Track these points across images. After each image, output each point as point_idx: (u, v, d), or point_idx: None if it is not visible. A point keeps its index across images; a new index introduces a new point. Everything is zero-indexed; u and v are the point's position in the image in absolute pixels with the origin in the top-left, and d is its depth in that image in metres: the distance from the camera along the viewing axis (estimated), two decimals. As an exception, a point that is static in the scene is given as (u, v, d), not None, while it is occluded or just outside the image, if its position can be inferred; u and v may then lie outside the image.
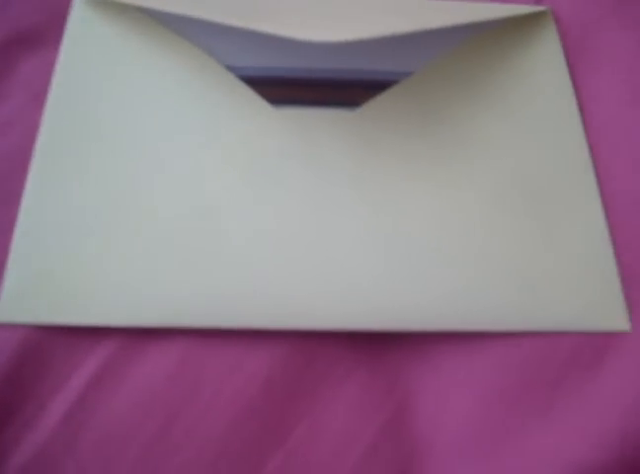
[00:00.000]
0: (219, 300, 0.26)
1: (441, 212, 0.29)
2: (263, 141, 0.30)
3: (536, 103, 0.32)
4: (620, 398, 0.25)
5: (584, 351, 0.27)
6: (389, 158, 0.30)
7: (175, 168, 0.29)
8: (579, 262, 0.28)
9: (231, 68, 0.31)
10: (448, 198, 0.29)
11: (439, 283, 0.27)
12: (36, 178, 0.28)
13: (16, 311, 0.26)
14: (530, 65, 0.33)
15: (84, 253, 0.27)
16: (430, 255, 0.28)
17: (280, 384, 0.26)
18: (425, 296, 0.27)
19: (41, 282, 0.27)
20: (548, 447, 0.25)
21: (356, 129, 0.31)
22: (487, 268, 0.28)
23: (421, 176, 0.30)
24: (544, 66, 0.33)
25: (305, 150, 0.30)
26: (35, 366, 0.26)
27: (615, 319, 0.27)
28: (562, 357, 0.27)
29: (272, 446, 0.26)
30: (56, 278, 0.27)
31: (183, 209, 0.28)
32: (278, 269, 0.27)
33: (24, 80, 0.32)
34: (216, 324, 0.26)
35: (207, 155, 0.29)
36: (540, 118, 0.31)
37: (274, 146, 0.30)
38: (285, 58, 0.32)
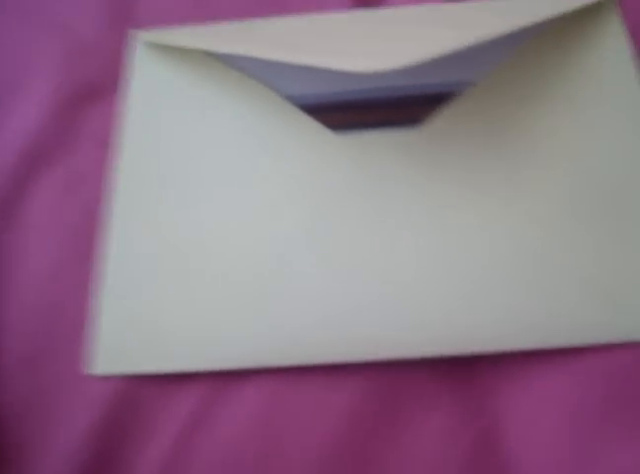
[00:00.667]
0: (300, 338, 0.27)
1: (514, 226, 0.28)
2: (327, 171, 0.30)
3: (604, 102, 0.30)
4: None
5: None
6: (456, 173, 0.29)
7: (246, 205, 0.29)
8: None
9: (290, 98, 0.31)
10: (520, 211, 0.28)
11: (516, 301, 0.27)
12: (116, 230, 0.29)
13: (110, 363, 0.27)
14: (596, 61, 0.31)
15: (168, 301, 0.28)
16: (505, 272, 0.27)
17: (365, 418, 0.26)
18: (503, 315, 0.27)
19: (131, 333, 0.27)
20: (636, 464, 0.24)
21: (420, 148, 0.30)
22: (566, 280, 0.27)
23: (490, 189, 0.29)
24: (611, 61, 0.31)
25: (371, 175, 0.29)
26: (128, 416, 0.27)
27: None
28: None
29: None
30: (144, 328, 0.27)
31: (257, 250, 0.28)
32: (352, 301, 0.27)
33: (92, 134, 0.33)
34: (300, 362, 0.26)
35: (275, 190, 0.29)
36: (609, 117, 0.30)
37: (338, 175, 0.30)
38: (342, 82, 0.31)
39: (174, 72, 0.33)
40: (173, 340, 0.27)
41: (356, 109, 0.31)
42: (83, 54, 0.35)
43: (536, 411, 0.26)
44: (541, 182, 0.29)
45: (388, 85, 0.31)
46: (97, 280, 0.29)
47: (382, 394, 0.27)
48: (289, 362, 0.26)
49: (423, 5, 0.34)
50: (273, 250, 0.28)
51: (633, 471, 0.24)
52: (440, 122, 0.31)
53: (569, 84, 0.31)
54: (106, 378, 0.27)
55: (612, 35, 0.32)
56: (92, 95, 0.34)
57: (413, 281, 0.27)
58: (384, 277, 0.27)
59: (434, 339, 0.26)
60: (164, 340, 0.27)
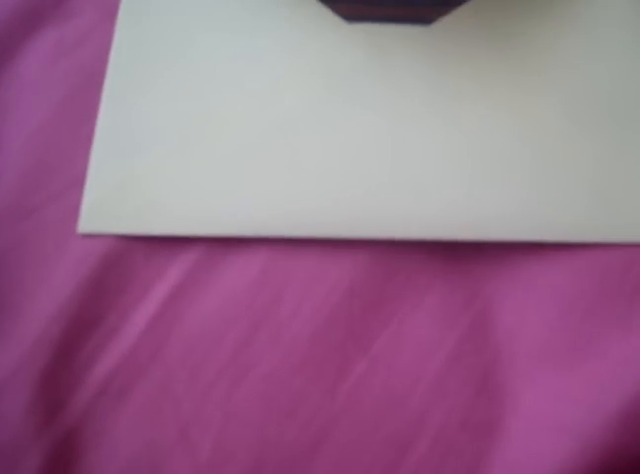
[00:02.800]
0: (300, 210, 0.26)
1: (516, 125, 0.28)
2: (337, 57, 0.29)
3: (608, 14, 0.31)
4: None
5: None
6: (463, 72, 0.30)
7: (252, 83, 0.29)
8: None
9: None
10: (523, 112, 0.29)
11: (516, 194, 0.27)
12: (112, 91, 0.28)
13: (98, 222, 0.26)
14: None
15: (162, 164, 0.27)
16: (508, 166, 0.28)
17: (363, 293, 0.26)
18: (502, 207, 0.27)
19: (123, 193, 0.27)
20: (626, 352, 0.25)
21: (429, 46, 0.30)
22: (564, 179, 0.28)
23: (494, 91, 0.29)
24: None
25: (379, 65, 0.29)
26: (118, 276, 0.26)
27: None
28: (639, 268, 0.26)
29: (356, 353, 0.26)
30: (138, 189, 0.27)
31: (261, 121, 0.28)
32: (357, 180, 0.27)
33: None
34: (297, 233, 0.26)
35: (283, 72, 0.29)
36: (613, 28, 0.31)
37: (348, 61, 0.29)
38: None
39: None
40: (169, 203, 0.26)
41: (369, 1, 0.31)
42: None
43: (529, 300, 0.27)
44: (544, 87, 0.29)
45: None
46: (92, 140, 0.28)
47: (381, 272, 0.27)
48: (289, 233, 0.26)
49: None
50: (278, 125, 0.28)
51: (624, 361, 0.25)
52: (448, 24, 0.31)
53: None
54: (97, 238, 0.27)
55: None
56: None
57: (417, 168, 0.27)
58: (389, 162, 0.27)
59: (435, 223, 0.26)
60: (160, 202, 0.26)
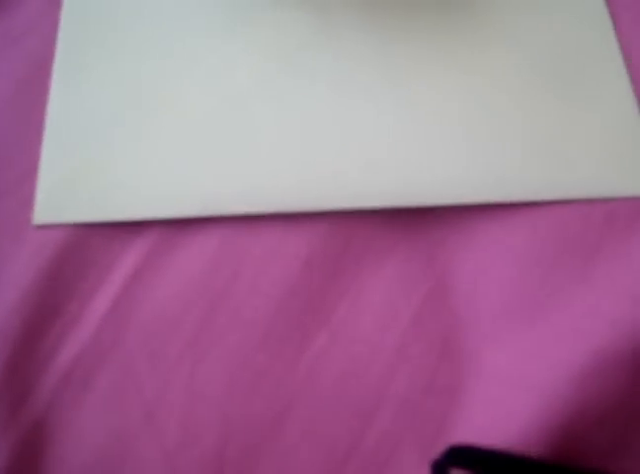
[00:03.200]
0: (254, 187, 0.26)
1: (468, 86, 0.29)
2: (286, 32, 0.29)
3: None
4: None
5: (618, 216, 0.26)
6: (416, 41, 0.29)
7: (202, 61, 0.29)
8: (609, 132, 0.28)
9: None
10: (474, 74, 0.29)
11: (470, 158, 0.27)
12: (61, 78, 0.29)
13: (53, 212, 0.26)
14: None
15: (115, 148, 0.27)
16: (460, 130, 0.28)
17: (321, 264, 0.26)
18: (457, 170, 0.27)
19: (76, 181, 0.27)
20: (588, 306, 0.25)
21: (380, 13, 0.30)
22: (517, 139, 0.28)
23: (444, 53, 0.29)
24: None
25: (327, 37, 0.29)
26: (76, 264, 0.26)
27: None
28: (597, 223, 0.26)
29: (316, 325, 0.26)
30: (91, 176, 0.27)
31: (213, 100, 0.28)
32: (310, 153, 0.27)
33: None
34: (253, 210, 0.26)
35: (233, 48, 0.29)
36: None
37: (297, 35, 0.29)
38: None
39: None
40: (123, 188, 0.27)
41: None
42: None
43: (488, 262, 0.27)
44: (496, 53, 0.29)
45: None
46: (44, 131, 0.28)
47: (338, 242, 0.27)
48: (243, 210, 0.26)
49: None
50: (229, 102, 0.28)
51: (588, 317, 0.25)
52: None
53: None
54: (53, 227, 0.27)
55: None
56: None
57: (370, 137, 0.27)
58: (342, 132, 0.27)
59: (390, 191, 0.26)
60: (114, 188, 0.27)
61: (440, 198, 0.27)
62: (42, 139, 0.28)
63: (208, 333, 0.26)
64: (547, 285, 0.26)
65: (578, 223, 0.27)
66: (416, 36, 0.29)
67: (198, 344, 0.25)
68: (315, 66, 0.29)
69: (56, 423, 0.24)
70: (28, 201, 0.27)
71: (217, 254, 0.26)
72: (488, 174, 0.27)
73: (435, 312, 0.26)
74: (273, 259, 0.26)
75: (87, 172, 0.27)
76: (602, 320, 0.24)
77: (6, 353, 0.25)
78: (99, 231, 0.27)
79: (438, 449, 0.24)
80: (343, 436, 0.25)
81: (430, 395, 0.25)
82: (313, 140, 0.27)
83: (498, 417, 0.24)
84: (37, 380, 0.25)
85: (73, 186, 0.27)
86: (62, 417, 0.24)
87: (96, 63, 0.29)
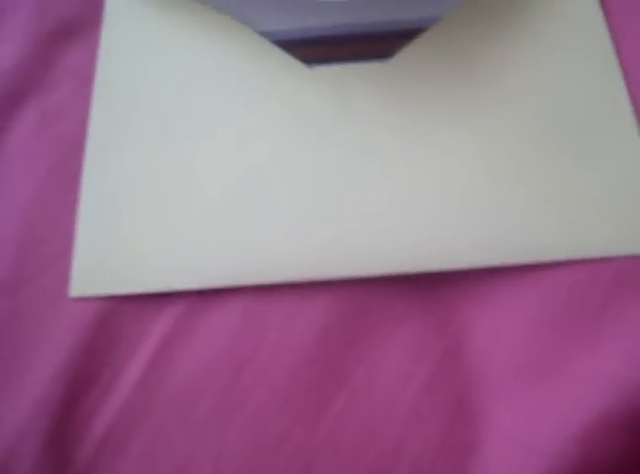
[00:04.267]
0: (274, 257, 0.28)
1: (480, 153, 0.29)
2: (302, 102, 0.31)
3: (568, 36, 0.32)
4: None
5: (628, 274, 0.27)
6: (425, 106, 0.31)
7: (221, 136, 0.30)
8: (619, 189, 0.29)
9: (264, 34, 0.32)
10: (486, 140, 0.30)
11: (480, 221, 0.28)
12: (92, 158, 0.31)
13: (88, 285, 0.28)
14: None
15: (143, 225, 0.29)
16: (471, 195, 0.29)
17: (338, 330, 0.28)
18: (468, 235, 0.28)
19: (109, 256, 0.29)
20: (592, 371, 0.26)
21: (390, 80, 0.31)
22: (529, 203, 0.29)
23: (458, 120, 0.30)
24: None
25: (344, 105, 0.31)
26: (109, 335, 0.28)
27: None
28: (606, 282, 0.27)
29: (333, 390, 0.27)
30: (122, 251, 0.29)
31: (233, 173, 0.30)
32: (325, 222, 0.29)
33: (70, 70, 0.34)
34: (273, 280, 0.28)
35: (251, 121, 0.31)
36: (574, 52, 0.31)
37: (312, 105, 0.31)
38: (314, 17, 0.32)
39: (149, 8, 0.33)
40: (150, 262, 0.28)
41: (328, 44, 0.32)
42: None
43: (499, 325, 0.28)
44: (506, 113, 0.30)
45: (358, 21, 0.32)
46: (77, 209, 0.30)
47: (353, 309, 0.28)
48: (263, 280, 0.28)
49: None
50: (248, 176, 0.30)
51: (593, 381, 0.26)
52: (408, 56, 0.32)
53: (535, 19, 0.32)
54: (86, 301, 0.29)
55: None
56: (71, 30, 0.35)
57: (385, 204, 0.29)
58: (358, 200, 0.29)
59: (403, 258, 0.28)
60: (141, 262, 0.28)
61: (451, 263, 0.28)
62: (76, 218, 0.30)
63: (233, 397, 0.27)
64: (555, 348, 0.27)
65: (585, 283, 0.28)
66: (429, 102, 0.31)
67: (224, 408, 0.27)
68: (330, 135, 0.30)
69: None
70: (64, 277, 0.29)
71: (240, 322, 0.28)
72: (497, 236, 0.28)
73: (448, 374, 0.27)
74: (292, 325, 0.28)
75: (118, 247, 0.29)
76: (606, 383, 0.25)
77: (46, 422, 0.27)
78: (130, 302, 0.29)
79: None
80: (361, 495, 0.26)
81: (443, 455, 0.26)
82: (328, 209, 0.29)
83: (509, 476, 0.26)
84: (74, 448, 0.27)
85: (106, 260, 0.29)
86: (100, 481, 0.26)
87: (123, 143, 0.31)
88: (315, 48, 0.32)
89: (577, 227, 0.28)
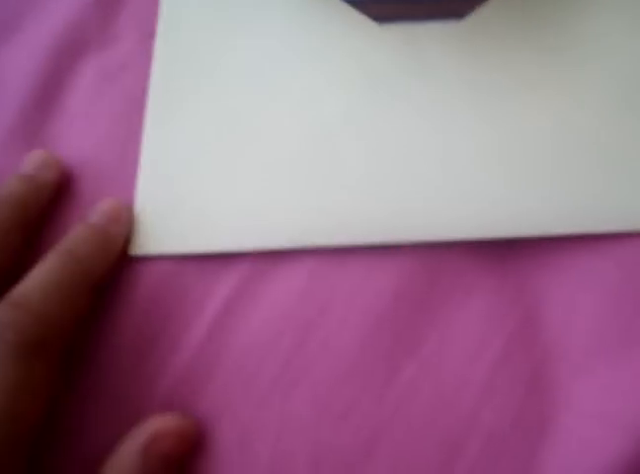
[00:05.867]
0: (341, 219, 0.27)
1: (559, 113, 0.28)
2: (372, 60, 0.30)
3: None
4: None
5: None
6: (499, 66, 0.29)
7: (288, 93, 0.29)
8: None
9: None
10: (564, 100, 0.28)
11: (560, 187, 0.27)
12: (154, 113, 0.30)
13: (150, 244, 0.27)
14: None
15: (206, 182, 0.28)
16: (550, 158, 0.27)
17: (409, 297, 0.27)
18: (547, 201, 0.27)
19: (171, 214, 0.28)
20: None
21: (464, 41, 0.30)
22: (610, 169, 0.27)
23: (533, 81, 0.29)
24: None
25: (415, 64, 0.29)
26: (171, 294, 0.27)
27: None
28: None
29: (404, 357, 0.26)
30: (185, 209, 0.28)
31: (300, 131, 0.28)
32: (399, 184, 0.27)
33: (131, 24, 0.33)
34: (340, 242, 0.27)
35: (318, 77, 0.29)
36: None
37: (383, 64, 0.30)
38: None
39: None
40: (216, 220, 0.27)
41: (400, 1, 0.31)
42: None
43: (577, 295, 0.26)
44: (586, 74, 0.29)
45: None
46: (138, 166, 0.29)
47: (426, 275, 0.27)
48: (333, 243, 0.27)
49: None
50: (318, 135, 0.28)
51: None
52: (482, 16, 0.30)
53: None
54: (147, 259, 0.28)
55: None
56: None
57: (461, 167, 0.27)
58: (432, 162, 0.28)
59: (479, 223, 0.27)
60: (207, 220, 0.28)
61: (528, 230, 0.27)
62: (137, 175, 0.29)
63: (298, 362, 0.26)
64: (638, 320, 0.26)
65: None
66: (505, 64, 0.29)
67: (288, 373, 0.26)
68: (402, 93, 0.29)
69: None
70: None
71: (306, 286, 0.27)
72: (578, 203, 0.27)
73: (524, 345, 0.26)
74: (361, 291, 0.27)
75: (180, 205, 0.28)
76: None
77: (112, 380, 0.26)
78: (192, 262, 0.28)
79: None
80: (432, 467, 0.25)
81: (518, 429, 0.25)
82: (401, 171, 0.28)
83: (586, 453, 0.24)
84: (138, 408, 0.26)
85: (167, 218, 0.28)
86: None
87: (187, 98, 0.30)
88: (388, 6, 0.31)
89: None
